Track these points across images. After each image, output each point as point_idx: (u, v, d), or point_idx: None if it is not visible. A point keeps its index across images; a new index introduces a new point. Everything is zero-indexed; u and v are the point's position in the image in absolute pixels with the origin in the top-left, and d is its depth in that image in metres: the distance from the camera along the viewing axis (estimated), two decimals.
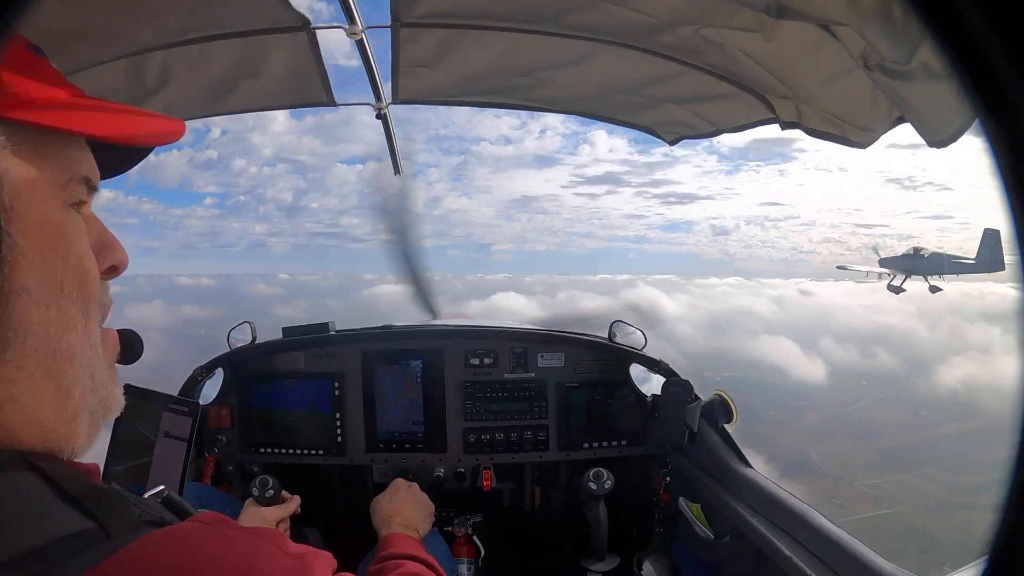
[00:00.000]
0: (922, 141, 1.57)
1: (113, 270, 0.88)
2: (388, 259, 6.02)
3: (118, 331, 0.93)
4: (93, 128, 0.81)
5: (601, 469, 2.75)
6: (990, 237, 61.63)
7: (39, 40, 0.81)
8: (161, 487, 1.03)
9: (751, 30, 1.78)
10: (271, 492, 2.33)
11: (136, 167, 1.01)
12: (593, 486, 2.72)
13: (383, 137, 3.53)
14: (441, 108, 3.06)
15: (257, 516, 2.26)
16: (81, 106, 0.83)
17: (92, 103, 0.84)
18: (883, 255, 69.64)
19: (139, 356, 1.01)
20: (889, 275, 67.65)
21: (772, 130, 2.28)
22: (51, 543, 0.66)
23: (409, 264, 6.06)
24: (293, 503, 2.39)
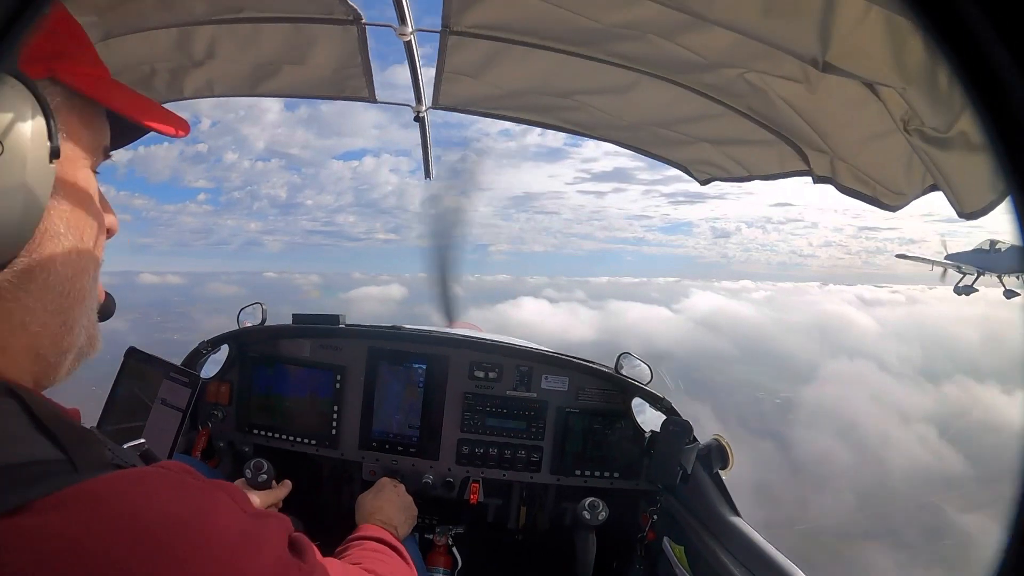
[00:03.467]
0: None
1: (108, 232, 0.96)
2: (425, 261, 6.48)
3: None
4: (129, 110, 0.91)
5: (597, 500, 2.74)
6: None
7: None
8: (141, 440, 1.05)
9: (795, 80, 1.78)
10: (264, 477, 2.32)
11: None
12: (587, 515, 2.71)
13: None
14: None
15: None
16: (117, 87, 0.93)
17: (122, 86, 0.95)
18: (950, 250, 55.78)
19: (111, 315, 1.08)
20: (959, 273, 55.56)
21: None
22: (16, 465, 0.69)
23: (443, 270, 6.45)
24: (283, 489, 2.38)
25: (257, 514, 0.87)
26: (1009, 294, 54.38)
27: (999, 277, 53.72)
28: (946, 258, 56.26)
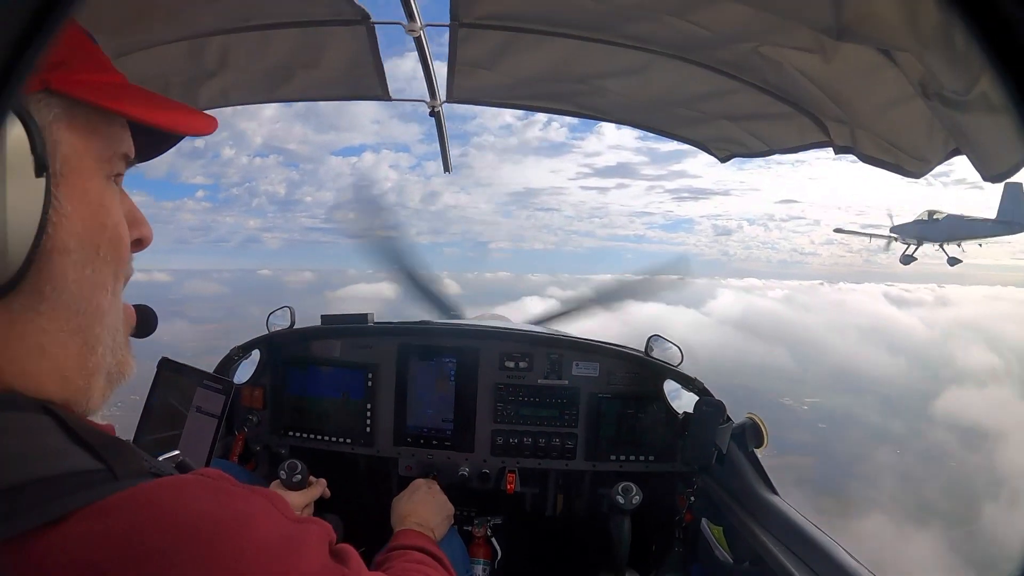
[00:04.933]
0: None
1: (139, 243, 0.95)
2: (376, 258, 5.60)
3: (135, 306, 0.99)
4: (141, 113, 0.87)
5: (630, 484, 2.73)
6: (1013, 191, 51.66)
7: (102, 18, 0.88)
8: (176, 452, 1.07)
9: (810, 50, 1.76)
10: (298, 477, 2.35)
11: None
12: (621, 500, 2.70)
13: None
14: None
15: None
16: (129, 91, 0.90)
17: (139, 90, 0.92)
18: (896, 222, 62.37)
19: (154, 330, 1.07)
20: (902, 244, 61.01)
21: None
22: (58, 476, 0.70)
23: (403, 264, 5.62)
24: (319, 487, 2.40)
25: (298, 519, 0.88)
26: (952, 261, 58.89)
27: (941, 246, 58.17)
28: (891, 230, 61.32)
